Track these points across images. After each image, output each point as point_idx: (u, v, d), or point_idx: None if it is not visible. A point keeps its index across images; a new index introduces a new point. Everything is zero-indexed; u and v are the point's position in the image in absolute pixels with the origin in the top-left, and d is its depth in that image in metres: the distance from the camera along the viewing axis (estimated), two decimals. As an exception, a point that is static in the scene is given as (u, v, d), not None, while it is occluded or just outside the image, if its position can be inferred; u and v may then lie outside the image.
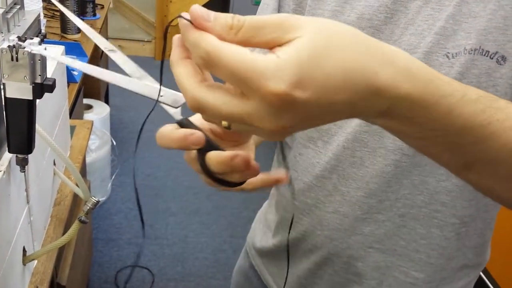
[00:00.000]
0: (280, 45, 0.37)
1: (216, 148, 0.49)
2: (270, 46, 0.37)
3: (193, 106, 0.39)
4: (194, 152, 0.51)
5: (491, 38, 0.65)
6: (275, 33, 0.37)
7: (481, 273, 1.92)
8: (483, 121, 0.42)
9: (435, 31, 0.67)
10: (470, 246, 0.81)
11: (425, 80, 0.40)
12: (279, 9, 0.83)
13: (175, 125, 0.50)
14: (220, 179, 0.52)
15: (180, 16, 0.38)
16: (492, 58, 0.65)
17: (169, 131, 0.49)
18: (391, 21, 0.71)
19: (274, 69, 0.35)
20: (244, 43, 0.37)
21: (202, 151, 0.49)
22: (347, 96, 0.37)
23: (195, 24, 0.38)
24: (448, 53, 0.67)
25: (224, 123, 0.42)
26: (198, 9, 0.38)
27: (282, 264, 0.93)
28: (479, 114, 0.42)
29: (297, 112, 0.37)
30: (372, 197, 0.77)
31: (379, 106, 0.40)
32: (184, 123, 0.49)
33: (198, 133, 0.47)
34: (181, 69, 0.41)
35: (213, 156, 0.48)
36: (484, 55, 0.65)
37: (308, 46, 0.36)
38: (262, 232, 0.99)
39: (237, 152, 0.47)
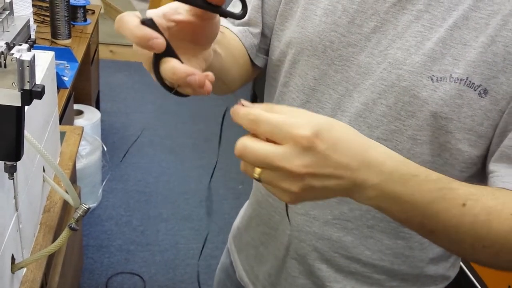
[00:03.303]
0: None
1: (173, 55, 0.51)
2: None
3: (238, 149, 0.49)
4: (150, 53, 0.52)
5: (478, 71, 0.65)
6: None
7: (465, 268, 1.93)
8: (439, 197, 0.56)
9: (423, 51, 0.67)
10: (433, 257, 0.82)
11: (400, 161, 0.54)
12: None
13: (138, 19, 0.50)
14: (168, 86, 0.53)
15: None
16: (475, 90, 0.66)
17: (133, 25, 0.49)
18: (380, 31, 0.71)
19: (301, 123, 0.48)
20: None
21: (159, 56, 0.51)
22: (350, 159, 0.50)
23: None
24: (433, 76, 0.67)
25: (256, 175, 0.50)
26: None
27: (256, 259, 0.95)
28: (436, 191, 0.55)
29: (315, 158, 0.49)
30: (343, 204, 0.78)
31: (371, 179, 0.52)
32: (148, 23, 0.50)
33: (161, 39, 0.50)
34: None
35: (168, 67, 0.51)
36: (470, 86, 0.66)
37: (326, 121, 0.51)
38: (239, 227, 1.02)
39: (195, 70, 0.51)
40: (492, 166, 0.68)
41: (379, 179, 0.52)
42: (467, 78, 0.65)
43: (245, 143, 0.49)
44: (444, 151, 0.70)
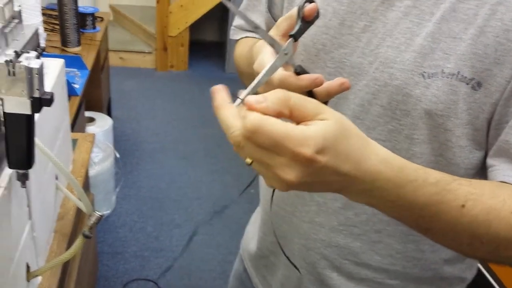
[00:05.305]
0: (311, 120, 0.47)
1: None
2: (306, 120, 0.47)
3: (248, 132, 0.45)
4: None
5: (469, 64, 0.63)
6: (312, 112, 0.47)
7: (483, 269, 1.90)
8: (437, 200, 0.54)
9: (413, 48, 0.66)
10: (447, 258, 0.80)
11: (398, 167, 0.52)
12: (270, 3, 0.83)
13: (291, 73, 0.58)
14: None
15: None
16: (468, 84, 0.64)
17: (294, 79, 0.57)
18: (370, 29, 0.70)
19: (304, 137, 0.45)
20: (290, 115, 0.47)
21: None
22: (349, 167, 0.48)
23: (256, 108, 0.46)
24: (424, 72, 0.65)
25: (248, 160, 0.48)
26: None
27: (267, 268, 0.94)
28: (433, 195, 0.54)
29: (312, 169, 0.46)
30: (349, 209, 0.76)
31: (364, 187, 0.51)
32: (299, 70, 0.59)
33: (320, 76, 0.58)
34: (226, 111, 0.48)
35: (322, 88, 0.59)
36: (462, 80, 0.64)
37: (332, 127, 0.46)
38: (251, 236, 1.01)
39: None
40: (491, 161, 0.67)
41: (373, 186, 0.51)
42: (458, 72, 0.64)
43: (261, 121, 0.45)
44: (446, 150, 0.68)
